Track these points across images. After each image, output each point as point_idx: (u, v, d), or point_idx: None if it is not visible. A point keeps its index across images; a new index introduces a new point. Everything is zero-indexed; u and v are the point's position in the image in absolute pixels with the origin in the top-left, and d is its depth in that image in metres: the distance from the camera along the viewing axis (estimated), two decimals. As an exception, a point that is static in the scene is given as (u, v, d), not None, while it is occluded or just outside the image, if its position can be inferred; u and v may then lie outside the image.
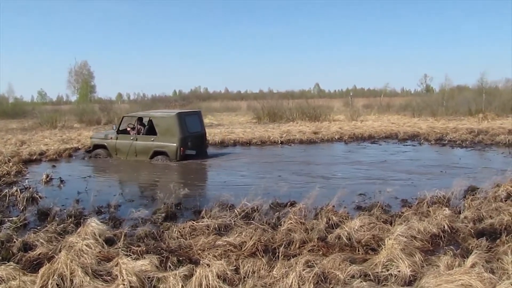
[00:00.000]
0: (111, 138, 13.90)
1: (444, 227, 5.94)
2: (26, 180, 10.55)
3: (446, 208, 6.66)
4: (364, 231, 5.79)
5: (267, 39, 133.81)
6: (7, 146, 16.71)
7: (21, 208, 7.73)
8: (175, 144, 12.89)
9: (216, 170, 12.04)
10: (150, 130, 13.60)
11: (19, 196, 8.26)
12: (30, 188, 9.12)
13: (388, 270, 4.55)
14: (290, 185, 9.02)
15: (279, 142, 17.94)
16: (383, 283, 4.32)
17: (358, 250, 5.32)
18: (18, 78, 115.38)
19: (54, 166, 12.95)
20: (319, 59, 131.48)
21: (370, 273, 4.47)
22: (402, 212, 6.71)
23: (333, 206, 6.92)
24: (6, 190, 8.63)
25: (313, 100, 35.35)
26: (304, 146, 17.27)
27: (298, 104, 30.77)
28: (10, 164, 12.19)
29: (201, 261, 4.77)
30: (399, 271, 4.49)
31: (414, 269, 4.53)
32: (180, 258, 4.95)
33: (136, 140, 13.52)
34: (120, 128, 13.99)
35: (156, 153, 13.22)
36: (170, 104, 39.94)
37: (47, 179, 10.39)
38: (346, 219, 6.42)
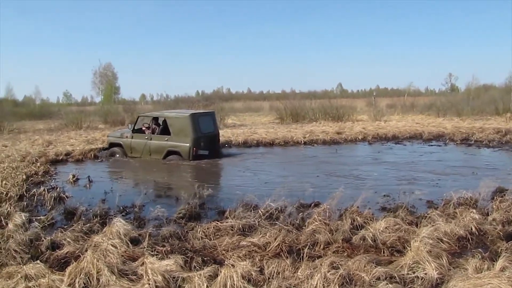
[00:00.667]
0: (127, 137, 14.24)
1: (471, 229, 5.83)
2: (53, 180, 10.76)
3: (474, 210, 6.52)
4: (389, 233, 5.72)
5: (289, 39, 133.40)
6: (34, 146, 17.00)
7: (49, 208, 7.85)
8: (188, 144, 13.08)
9: (238, 170, 12.05)
10: (165, 130, 13.81)
11: (46, 196, 8.40)
12: (57, 188, 9.30)
13: (414, 273, 4.49)
14: (314, 185, 8.99)
15: (302, 142, 17.83)
16: (409, 286, 4.28)
17: (383, 252, 5.26)
18: (44, 80, 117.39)
19: (78, 167, 13.14)
20: (342, 58, 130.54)
21: (396, 275, 4.41)
22: (427, 214, 6.57)
23: (358, 207, 6.85)
24: (34, 190, 8.80)
25: (336, 100, 34.98)
26: (327, 147, 17.17)
27: (321, 104, 30.57)
28: (38, 164, 12.42)
29: (225, 262, 4.78)
30: (425, 274, 4.42)
31: (441, 271, 4.46)
32: (205, 258, 4.97)
33: (151, 139, 13.77)
34: (136, 128, 14.25)
35: (170, 153, 13.44)
36: (193, 105, 40.07)
37: (73, 179, 10.55)
38: (371, 220, 6.36)
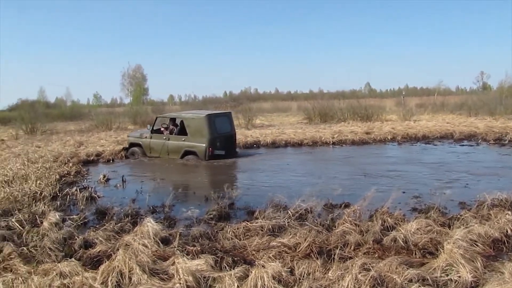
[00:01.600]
0: (146, 137, 14.59)
1: (507, 231, 5.69)
2: (85, 180, 10.96)
3: (509, 212, 6.34)
4: (421, 234, 5.63)
5: (316, 38, 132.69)
6: (66, 147, 17.35)
7: (81, 207, 8.03)
8: (204, 145, 13.31)
9: (266, 171, 12.04)
10: (182, 130, 14.07)
11: (79, 196, 8.59)
12: (89, 187, 9.48)
13: (447, 275, 4.41)
14: (343, 186, 8.90)
15: (331, 142, 17.72)
16: (442, 288, 4.20)
17: (415, 254, 5.18)
18: (75, 82, 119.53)
19: (110, 165, 13.35)
20: (370, 58, 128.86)
21: (428, 277, 4.33)
22: (460, 215, 6.44)
23: (388, 208, 6.76)
24: (67, 190, 9.01)
25: (364, 99, 34.71)
26: (356, 147, 17.03)
27: (349, 104, 30.32)
28: (70, 164, 12.67)
29: (256, 262, 4.78)
30: (459, 277, 4.33)
31: (476, 275, 4.37)
32: (235, 259, 4.98)
33: (169, 139, 14.09)
34: (154, 128, 14.58)
35: (187, 153, 13.69)
36: (220, 105, 40.36)
37: (104, 179, 10.74)
38: (401, 221, 6.28)
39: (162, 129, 14.73)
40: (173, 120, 14.62)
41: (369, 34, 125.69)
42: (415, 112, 30.19)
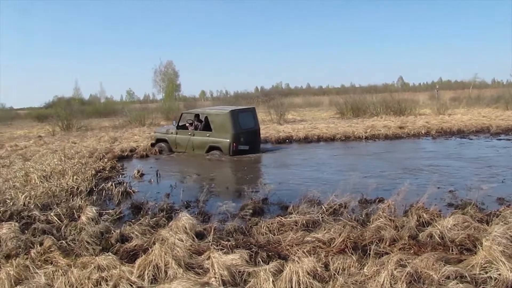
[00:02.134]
0: (172, 133, 14.88)
1: (548, 228, 5.51)
2: (120, 175, 11.14)
3: (550, 208, 6.17)
4: (458, 230, 5.51)
5: (347, 32, 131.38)
6: (101, 143, 17.70)
7: (116, 202, 8.18)
8: (228, 140, 13.48)
9: (299, 165, 12.00)
10: (207, 126, 14.23)
11: (114, 190, 8.74)
12: (124, 183, 9.63)
13: (486, 273, 4.28)
14: (377, 180, 8.79)
15: (364, 137, 17.53)
16: (481, 286, 4.08)
17: (452, 250, 5.06)
18: (108, 79, 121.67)
19: (147, 159, 13.53)
20: (402, 51, 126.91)
21: (466, 274, 4.22)
22: (499, 211, 6.28)
23: (423, 203, 6.64)
24: (103, 185, 9.17)
25: (397, 93, 34.14)
26: (389, 141, 16.80)
27: (382, 98, 29.89)
28: (105, 160, 12.94)
29: (290, 257, 4.76)
30: (499, 274, 4.20)
31: (517, 272, 4.24)
32: (270, 254, 4.98)
33: (194, 135, 14.32)
34: (180, 124, 14.85)
35: (211, 148, 13.88)
36: (252, 101, 40.43)
37: (139, 174, 10.89)
38: (437, 217, 6.15)
39: (187, 125, 14.96)
40: (197, 116, 14.82)
41: (401, 27, 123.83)
42: (449, 106, 29.54)
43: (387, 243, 5.27)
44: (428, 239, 5.41)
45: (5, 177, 10.18)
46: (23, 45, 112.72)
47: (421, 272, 4.30)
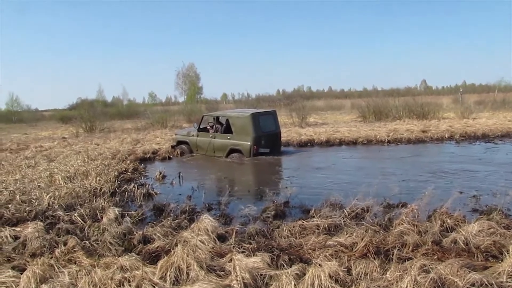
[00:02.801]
0: (193, 135, 14.98)
1: None
2: (142, 177, 11.23)
3: None
4: (483, 237, 5.41)
5: (370, 35, 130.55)
6: (123, 145, 17.88)
7: (139, 203, 8.22)
8: (249, 143, 13.47)
9: (321, 169, 11.94)
10: (227, 128, 14.34)
11: (136, 192, 8.81)
12: (146, 184, 9.70)
13: (514, 281, 4.21)
14: (399, 185, 8.71)
15: (386, 141, 17.35)
16: (508, 294, 4.01)
17: (477, 257, 4.97)
18: (131, 81, 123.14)
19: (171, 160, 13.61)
20: (425, 54, 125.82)
21: (493, 282, 4.13)
22: (527, 218, 6.17)
23: (447, 208, 6.55)
24: (125, 186, 9.25)
25: (420, 97, 33.77)
26: (412, 145, 16.59)
27: (405, 101, 29.57)
28: (128, 161, 13.04)
29: (312, 261, 4.74)
30: (527, 283, 4.13)
31: (546, 281, 4.15)
32: (291, 257, 4.96)
33: (214, 138, 14.35)
34: (201, 126, 14.95)
35: (232, 151, 13.88)
36: (274, 104, 40.42)
37: (160, 176, 10.96)
38: (462, 222, 6.06)
39: (208, 127, 15.05)
40: (218, 118, 14.90)
41: (425, 30, 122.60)
42: (473, 110, 29.09)
43: (410, 248, 5.20)
44: (452, 245, 5.32)
45: (30, 177, 10.35)
46: (49, 47, 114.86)
47: (445, 278, 4.24)
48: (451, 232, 5.71)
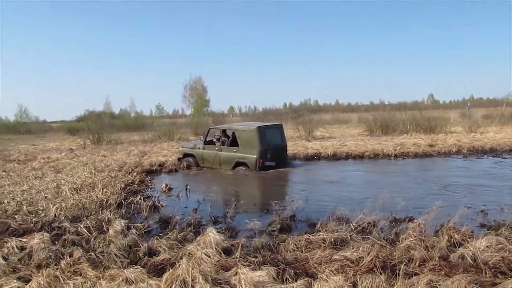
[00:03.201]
0: (199, 148, 14.98)
1: None
2: (149, 189, 11.24)
3: None
4: (491, 252, 5.34)
5: (377, 49, 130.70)
6: (130, 157, 17.92)
7: (145, 216, 8.22)
8: (255, 156, 13.50)
9: (327, 183, 11.92)
10: (234, 141, 14.35)
11: (142, 204, 8.81)
12: (152, 197, 9.70)
13: (523, 298, 4.16)
14: (406, 199, 8.63)
15: (393, 155, 17.31)
16: (517, 312, 3.96)
17: (485, 273, 4.92)
18: (139, 93, 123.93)
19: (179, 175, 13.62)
20: (433, 68, 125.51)
21: (502, 299, 4.11)
22: (535, 234, 6.09)
23: (455, 223, 6.50)
24: (131, 198, 9.26)
25: (427, 111, 33.68)
26: (419, 159, 16.53)
27: (412, 115, 29.51)
28: (134, 174, 13.06)
29: (318, 275, 4.71)
30: (536, 300, 4.08)
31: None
32: (297, 271, 4.93)
33: (221, 150, 14.39)
34: (207, 139, 14.99)
35: (238, 164, 13.91)
36: (281, 117, 40.48)
37: (167, 188, 10.97)
38: (469, 238, 5.99)
39: (214, 140, 15.10)
40: (224, 131, 14.93)
41: (431, 44, 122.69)
42: (481, 124, 28.99)
43: (417, 263, 5.16)
44: (460, 260, 5.26)
45: (37, 188, 10.39)
46: (57, 58, 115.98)
47: (452, 294, 4.20)
48: (459, 248, 5.64)
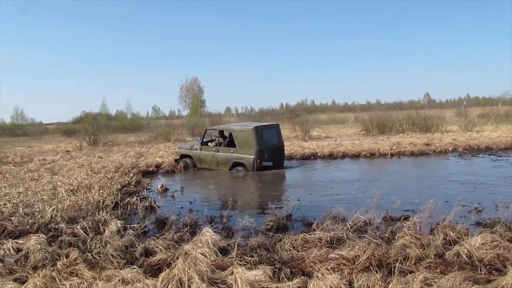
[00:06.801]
0: (196, 149, 15.00)
1: None
2: (145, 190, 11.24)
3: None
4: (486, 250, 5.37)
5: (372, 49, 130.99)
6: (126, 158, 17.91)
7: (141, 216, 8.22)
8: (252, 156, 13.49)
9: (322, 182, 11.92)
10: (231, 142, 14.32)
11: (139, 205, 8.82)
12: (148, 197, 9.69)
13: (517, 294, 4.18)
14: (402, 198, 8.66)
15: (389, 154, 17.37)
16: (511, 308, 3.98)
17: (480, 270, 4.93)
18: (135, 95, 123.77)
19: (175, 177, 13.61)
20: (429, 67, 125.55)
21: (496, 295, 4.13)
22: (530, 231, 6.12)
23: (450, 221, 6.52)
24: (128, 199, 9.25)
25: (423, 110, 33.79)
26: (415, 158, 16.59)
27: (408, 115, 29.61)
28: (130, 175, 13.05)
29: (314, 274, 4.72)
30: (531, 296, 4.10)
31: (550, 294, 4.12)
32: (293, 270, 4.94)
33: (218, 151, 14.37)
34: (204, 140, 14.96)
35: (235, 164, 13.93)
36: (277, 117, 40.49)
37: (162, 189, 10.98)
38: (465, 235, 6.01)
39: (211, 140, 15.11)
40: (221, 132, 14.91)
41: (427, 43, 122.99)
42: (477, 123, 29.09)
43: (413, 262, 5.17)
44: (455, 258, 5.28)
45: (34, 190, 10.39)
46: (53, 60, 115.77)
47: (448, 291, 4.22)
48: (454, 245, 5.67)
